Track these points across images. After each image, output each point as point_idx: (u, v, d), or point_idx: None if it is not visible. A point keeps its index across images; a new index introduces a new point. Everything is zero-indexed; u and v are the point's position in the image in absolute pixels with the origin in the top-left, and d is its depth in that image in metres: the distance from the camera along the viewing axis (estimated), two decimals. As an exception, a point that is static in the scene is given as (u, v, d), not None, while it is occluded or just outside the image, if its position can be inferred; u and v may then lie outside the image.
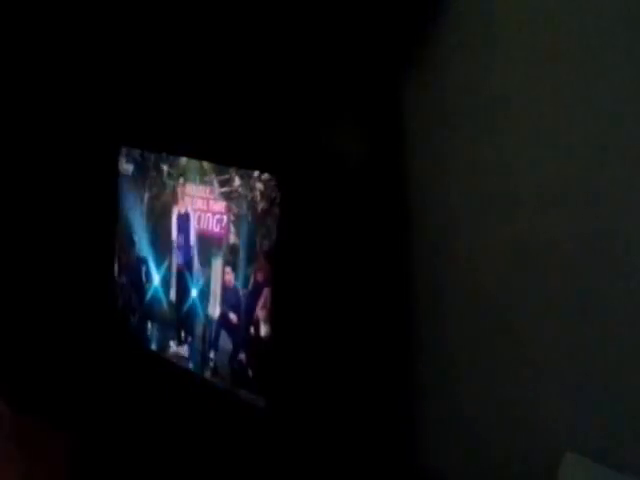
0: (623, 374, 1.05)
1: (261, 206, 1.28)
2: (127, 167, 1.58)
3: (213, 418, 1.41)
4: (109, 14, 1.61)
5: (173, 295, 1.49)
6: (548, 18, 1.12)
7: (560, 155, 1.11)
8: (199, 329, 1.42)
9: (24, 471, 1.41)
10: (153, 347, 1.54)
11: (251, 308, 1.30)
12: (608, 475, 1.05)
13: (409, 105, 1.34)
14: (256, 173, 1.29)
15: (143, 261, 1.55)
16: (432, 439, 1.34)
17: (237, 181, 1.33)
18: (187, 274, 1.44)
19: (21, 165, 1.65)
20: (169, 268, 1.49)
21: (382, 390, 1.38)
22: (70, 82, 1.65)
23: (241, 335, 1.33)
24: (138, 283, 1.56)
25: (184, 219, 1.45)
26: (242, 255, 1.32)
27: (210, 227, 1.39)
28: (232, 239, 1.34)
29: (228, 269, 1.34)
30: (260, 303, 1.28)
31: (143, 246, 1.55)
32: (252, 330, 1.30)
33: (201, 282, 1.41)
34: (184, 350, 1.46)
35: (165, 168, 1.49)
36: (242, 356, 1.33)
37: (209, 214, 1.39)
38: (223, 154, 1.38)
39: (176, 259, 1.47)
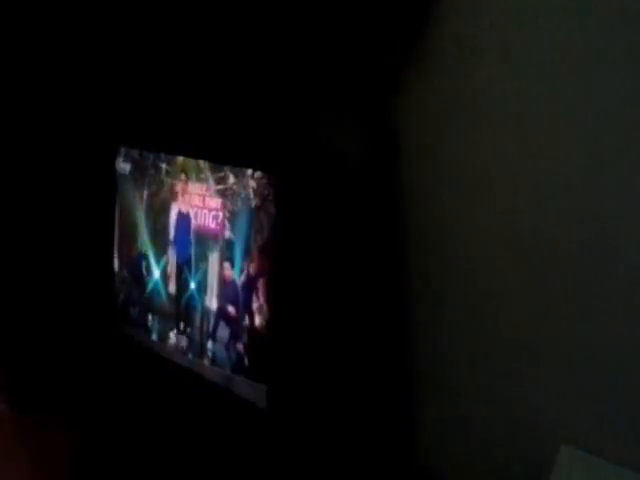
0: (618, 368, 1.06)
1: (255, 203, 1.31)
2: (124, 166, 1.61)
3: (213, 413, 1.41)
4: (103, 15, 1.60)
5: (173, 288, 1.52)
6: (536, 18, 1.12)
7: (557, 153, 1.11)
8: (197, 321, 1.45)
9: (26, 470, 1.40)
10: (154, 337, 1.56)
11: (247, 300, 1.33)
12: (604, 468, 1.06)
13: (404, 103, 1.34)
14: (250, 171, 1.31)
15: (144, 256, 1.58)
16: (430, 436, 1.35)
17: (232, 179, 1.36)
18: (186, 268, 1.48)
19: (21, 165, 1.64)
20: (168, 263, 1.52)
21: (380, 387, 1.38)
22: (69, 83, 1.64)
23: (238, 326, 1.36)
24: (139, 277, 1.59)
25: (182, 215, 1.48)
26: (237, 250, 1.35)
27: (206, 223, 1.42)
28: (227, 234, 1.37)
29: (227, 264, 1.38)
30: (255, 296, 1.31)
31: (143, 242, 1.58)
32: (248, 321, 1.33)
33: (199, 276, 1.44)
34: (183, 341, 1.49)
35: (163, 166, 1.52)
36: (240, 346, 1.36)
37: (205, 210, 1.43)
38: (217, 153, 1.40)
39: (175, 254, 1.50)
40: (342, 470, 1.31)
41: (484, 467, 1.25)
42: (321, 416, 1.32)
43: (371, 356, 1.38)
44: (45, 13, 1.59)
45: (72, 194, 1.67)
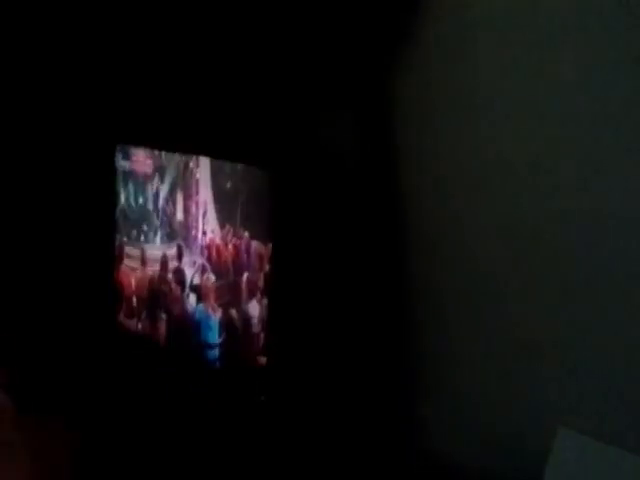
0: (615, 351, 1.07)
1: (250, 195, 1.33)
2: (124, 163, 1.61)
3: (212, 406, 1.43)
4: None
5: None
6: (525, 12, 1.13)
7: (552, 143, 1.12)
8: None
9: (28, 468, 1.41)
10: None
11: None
12: (601, 450, 1.06)
13: (398, 97, 1.35)
14: (246, 166, 1.34)
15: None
16: (432, 421, 1.36)
17: (228, 172, 1.38)
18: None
19: (22, 164, 1.66)
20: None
21: (381, 376, 1.40)
22: (68, 81, 1.66)
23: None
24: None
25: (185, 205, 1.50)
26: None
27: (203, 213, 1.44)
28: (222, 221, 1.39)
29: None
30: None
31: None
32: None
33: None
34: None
35: (164, 161, 1.53)
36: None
37: (203, 200, 1.44)
38: (215, 148, 1.42)
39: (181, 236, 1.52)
40: (344, 462, 1.32)
41: (480, 444, 1.26)
42: (323, 406, 1.34)
43: (371, 343, 1.38)
44: (46, 16, 1.60)
45: (72, 189, 1.68)
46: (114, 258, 1.65)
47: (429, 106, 1.31)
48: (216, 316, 1.44)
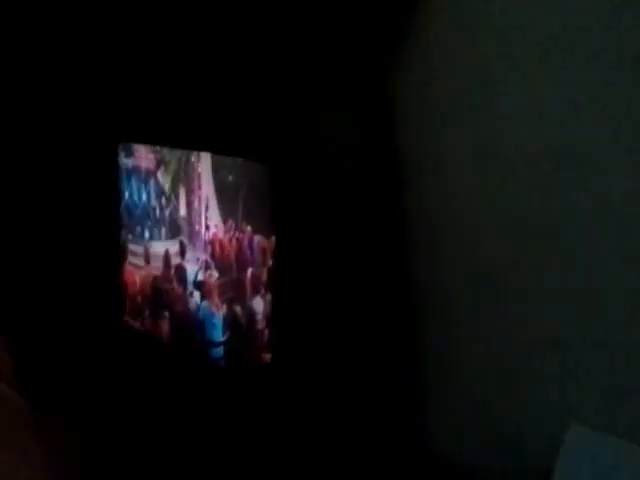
0: (628, 344, 1.06)
1: (252, 189, 1.32)
2: (126, 160, 1.61)
3: (215, 400, 1.43)
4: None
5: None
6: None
7: (552, 128, 1.11)
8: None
9: (42, 464, 1.41)
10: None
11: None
12: (613, 444, 1.06)
13: (398, 90, 1.35)
14: (247, 161, 1.33)
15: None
16: (433, 419, 1.36)
17: (229, 166, 1.37)
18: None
19: (24, 163, 1.66)
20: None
21: (391, 370, 1.40)
22: (68, 79, 1.66)
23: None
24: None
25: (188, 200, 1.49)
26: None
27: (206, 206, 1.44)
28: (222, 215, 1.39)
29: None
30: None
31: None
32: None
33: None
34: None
35: (165, 157, 1.52)
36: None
37: (205, 195, 1.43)
38: (216, 143, 1.41)
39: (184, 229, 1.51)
40: (346, 459, 1.32)
41: (490, 438, 1.27)
42: (326, 403, 1.34)
43: (375, 337, 1.38)
44: (46, 14, 1.60)
45: (76, 187, 1.68)
46: (118, 256, 1.64)
47: (429, 102, 1.31)
48: (220, 313, 1.43)
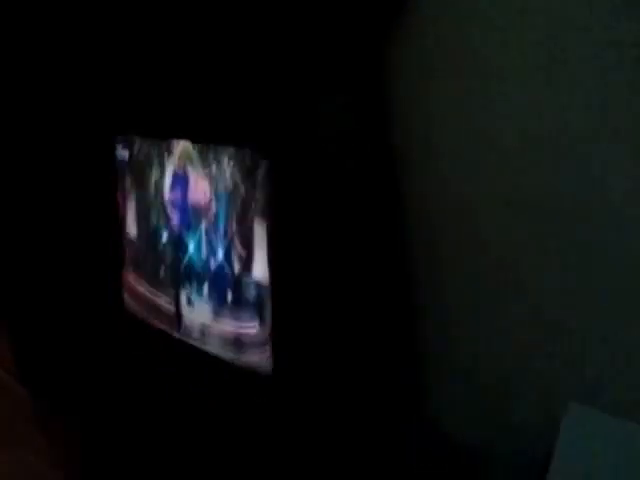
0: (626, 325, 1.08)
1: (245, 178, 1.33)
2: (124, 153, 1.61)
3: (220, 399, 1.43)
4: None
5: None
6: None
7: (552, 143, 1.12)
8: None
9: (42, 464, 1.41)
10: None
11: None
12: (612, 424, 1.07)
13: (393, 72, 1.34)
14: (240, 150, 1.34)
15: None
16: (440, 396, 1.37)
17: (222, 155, 1.38)
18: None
19: (22, 158, 1.67)
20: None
21: (387, 351, 1.39)
22: (61, 75, 1.66)
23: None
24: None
25: (181, 192, 1.49)
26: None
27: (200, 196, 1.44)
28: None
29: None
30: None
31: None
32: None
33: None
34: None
35: (163, 150, 1.52)
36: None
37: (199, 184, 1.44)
38: (207, 133, 1.42)
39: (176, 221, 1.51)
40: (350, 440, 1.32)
41: (489, 419, 1.28)
42: (330, 399, 1.33)
43: (378, 335, 1.38)
44: (42, 12, 1.60)
45: (74, 181, 1.68)
46: (118, 246, 1.64)
47: (426, 92, 1.31)
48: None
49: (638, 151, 1.03)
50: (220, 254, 1.41)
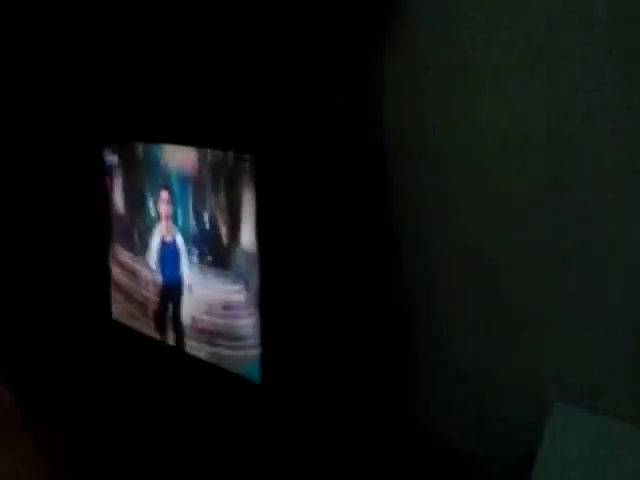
0: (609, 325, 1.09)
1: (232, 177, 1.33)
2: (112, 158, 1.59)
3: (209, 400, 1.42)
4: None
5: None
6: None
7: (552, 143, 1.12)
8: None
9: (42, 464, 1.39)
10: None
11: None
12: (596, 423, 1.09)
13: (386, 73, 1.34)
14: (227, 152, 1.34)
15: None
16: (427, 399, 1.37)
17: (210, 157, 1.38)
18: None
19: (12, 163, 1.67)
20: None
21: (377, 357, 1.39)
22: (54, 79, 1.66)
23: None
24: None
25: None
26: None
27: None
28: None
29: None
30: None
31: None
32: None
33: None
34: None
35: (155, 153, 1.51)
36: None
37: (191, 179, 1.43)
38: (197, 136, 1.41)
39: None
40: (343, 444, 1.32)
41: (476, 420, 1.29)
42: (327, 399, 1.33)
43: (367, 326, 1.38)
44: (36, 15, 1.60)
45: (64, 186, 1.68)
46: (106, 252, 1.63)
47: (410, 77, 1.31)
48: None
49: (638, 151, 1.04)
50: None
